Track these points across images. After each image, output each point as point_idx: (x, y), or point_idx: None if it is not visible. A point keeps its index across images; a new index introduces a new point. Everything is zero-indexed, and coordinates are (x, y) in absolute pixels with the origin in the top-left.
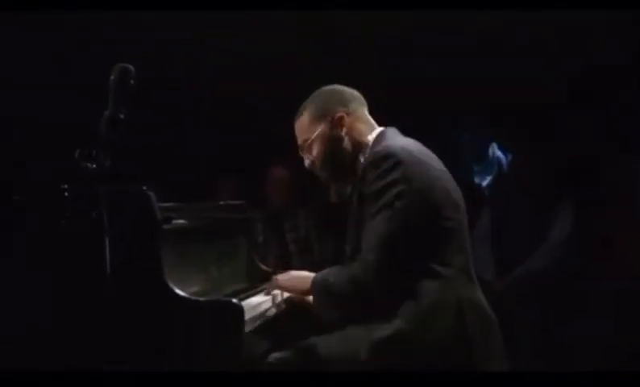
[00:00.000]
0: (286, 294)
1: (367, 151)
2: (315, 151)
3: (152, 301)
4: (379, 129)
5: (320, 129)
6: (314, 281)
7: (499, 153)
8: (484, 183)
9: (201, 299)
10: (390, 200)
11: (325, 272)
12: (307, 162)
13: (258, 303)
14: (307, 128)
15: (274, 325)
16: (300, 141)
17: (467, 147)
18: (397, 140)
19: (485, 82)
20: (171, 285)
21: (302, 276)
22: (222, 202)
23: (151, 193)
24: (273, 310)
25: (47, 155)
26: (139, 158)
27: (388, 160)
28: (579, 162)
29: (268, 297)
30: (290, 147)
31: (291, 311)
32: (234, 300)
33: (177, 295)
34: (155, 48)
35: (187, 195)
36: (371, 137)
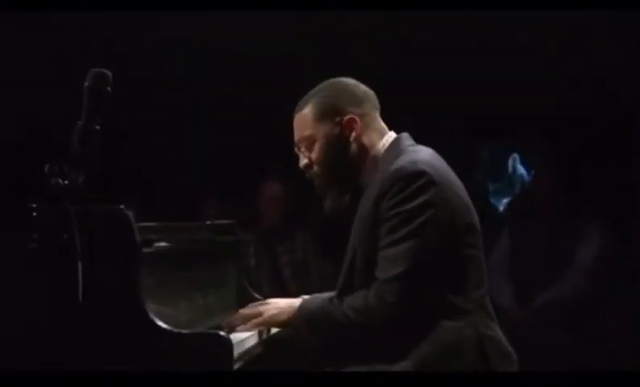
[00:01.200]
0: (274, 328)
1: (379, 161)
2: (316, 152)
3: (130, 333)
4: (391, 135)
5: (326, 128)
6: (303, 309)
7: (521, 168)
8: (502, 203)
9: (185, 332)
10: (418, 226)
11: (315, 298)
12: (302, 162)
13: (243, 339)
14: (310, 124)
15: (261, 365)
16: (298, 137)
17: (483, 159)
18: (421, 153)
19: (504, 85)
20: (151, 315)
21: (280, 306)
22: (208, 222)
23: (130, 213)
24: (259, 348)
25: (12, 170)
26: (116, 174)
27: (418, 179)
28: (610, 177)
29: (254, 333)
30: (285, 159)
31: (280, 348)
32: (222, 333)
33: (158, 327)
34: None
35: (169, 214)
36: (382, 144)
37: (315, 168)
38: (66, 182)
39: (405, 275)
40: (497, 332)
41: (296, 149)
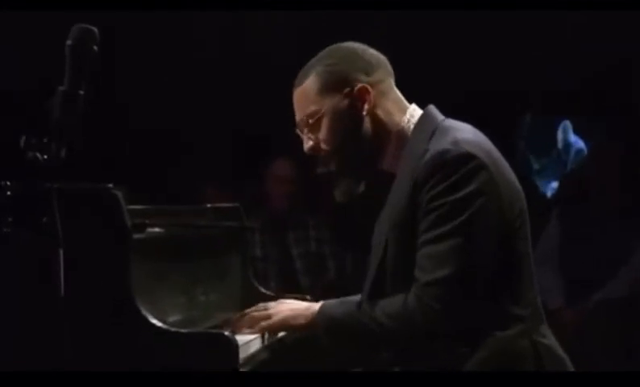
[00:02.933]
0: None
1: (407, 140)
2: (323, 130)
3: (119, 332)
4: (414, 108)
5: (333, 101)
6: (325, 314)
7: (574, 141)
8: (549, 184)
9: (184, 331)
10: (467, 219)
11: (339, 303)
12: (307, 144)
13: (246, 342)
14: (314, 98)
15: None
16: (300, 115)
17: (524, 130)
18: (463, 131)
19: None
20: (144, 312)
21: (295, 308)
22: (209, 206)
23: (119, 193)
24: (265, 354)
25: None
26: (105, 149)
27: (465, 163)
28: None
29: (257, 335)
30: (296, 134)
31: (289, 354)
32: (227, 332)
33: (152, 325)
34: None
35: (165, 196)
36: (405, 119)
37: (324, 150)
38: (45, 157)
39: (454, 276)
40: (552, 339)
41: (299, 130)
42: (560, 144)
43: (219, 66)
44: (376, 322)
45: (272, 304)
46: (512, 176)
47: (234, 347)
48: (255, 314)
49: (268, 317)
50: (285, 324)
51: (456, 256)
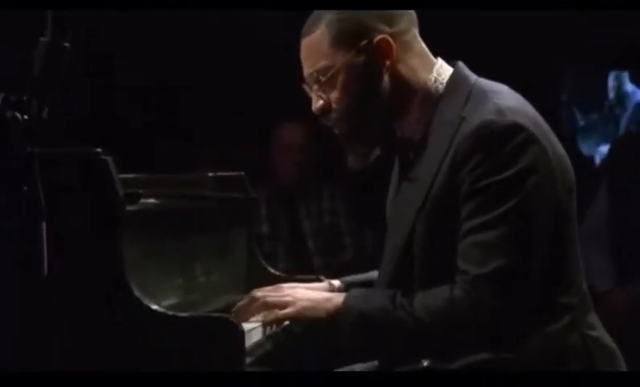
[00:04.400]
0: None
1: (438, 105)
2: (336, 89)
3: (109, 317)
4: (442, 65)
5: (348, 56)
6: (351, 307)
7: (632, 91)
8: (599, 146)
9: (182, 315)
10: (520, 201)
11: (367, 294)
12: (317, 103)
13: (249, 330)
14: (325, 52)
15: (271, 366)
16: (309, 69)
17: (567, 80)
18: (506, 98)
19: None
20: (137, 293)
21: (313, 298)
22: (210, 174)
23: (109, 158)
24: (269, 344)
25: None
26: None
27: (513, 136)
28: None
29: (258, 324)
30: (307, 95)
31: (297, 346)
32: (231, 317)
33: (147, 309)
34: None
35: (161, 164)
36: (432, 78)
37: (335, 112)
38: (26, 117)
39: (508, 268)
40: (601, 329)
41: (307, 88)
42: (612, 96)
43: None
44: (415, 318)
45: (285, 287)
46: (560, 147)
47: (239, 333)
48: (268, 299)
49: (283, 305)
50: (302, 316)
51: (510, 245)
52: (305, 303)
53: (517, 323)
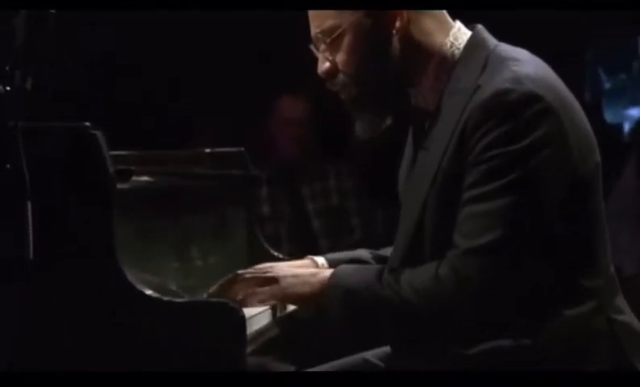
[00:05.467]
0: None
1: (453, 71)
2: (344, 51)
3: (100, 303)
4: (459, 28)
5: (356, 15)
6: (337, 283)
7: None
8: (626, 116)
9: (179, 300)
10: (529, 172)
11: (355, 269)
12: (323, 65)
13: (252, 316)
14: (332, 10)
15: (276, 353)
16: (316, 28)
17: (590, 45)
18: (526, 64)
19: None
20: (129, 277)
21: (300, 274)
22: (208, 150)
23: (99, 133)
24: (275, 330)
25: None
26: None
27: (529, 105)
28: None
29: (266, 308)
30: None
31: (303, 332)
32: (232, 303)
33: (140, 294)
34: None
35: (155, 139)
36: (448, 42)
37: (341, 75)
38: (8, 88)
39: (502, 243)
40: (629, 313)
41: (314, 48)
42: None
43: None
44: (399, 296)
45: (267, 265)
46: (584, 120)
47: (240, 319)
48: (248, 276)
49: (265, 282)
50: (286, 293)
51: (508, 218)
52: (289, 280)
53: (520, 306)
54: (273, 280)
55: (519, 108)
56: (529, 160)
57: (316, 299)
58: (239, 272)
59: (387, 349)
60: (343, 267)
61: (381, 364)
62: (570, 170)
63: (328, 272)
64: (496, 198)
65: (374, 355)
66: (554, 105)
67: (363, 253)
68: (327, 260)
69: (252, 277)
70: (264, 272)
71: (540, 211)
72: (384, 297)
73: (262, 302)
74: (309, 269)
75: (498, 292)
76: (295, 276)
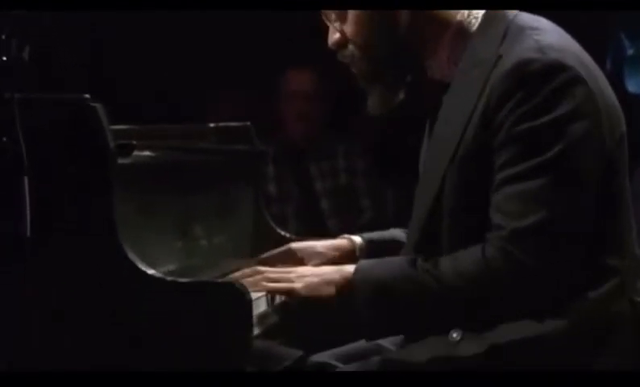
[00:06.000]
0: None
1: (470, 41)
2: (353, 21)
3: (100, 283)
4: None
5: None
6: (365, 277)
7: None
8: None
9: (182, 280)
10: (564, 146)
11: (381, 262)
12: (333, 36)
13: (257, 298)
14: None
15: (282, 336)
16: None
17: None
18: (548, 33)
19: None
20: (131, 256)
21: (320, 273)
22: (212, 125)
23: (99, 106)
24: (274, 317)
25: None
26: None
27: (556, 75)
28: None
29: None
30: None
31: (305, 320)
32: (238, 284)
33: (142, 273)
34: None
35: (157, 114)
36: (464, 12)
37: (351, 46)
38: (4, 58)
39: (551, 222)
40: None
41: (324, 19)
42: None
43: None
44: (443, 282)
45: (291, 269)
46: (609, 89)
47: (246, 302)
48: (271, 275)
49: (287, 282)
50: (310, 294)
51: (552, 196)
52: (311, 279)
53: (561, 284)
54: (294, 280)
55: (545, 79)
56: (562, 134)
57: (341, 296)
58: (261, 268)
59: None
60: (365, 261)
61: (393, 348)
62: (601, 142)
63: (351, 267)
64: (535, 177)
65: (386, 339)
66: (582, 74)
67: (397, 233)
68: (364, 239)
69: (274, 276)
70: (286, 272)
71: (580, 186)
72: (423, 283)
73: (281, 294)
74: (330, 267)
75: (547, 273)
76: (316, 274)
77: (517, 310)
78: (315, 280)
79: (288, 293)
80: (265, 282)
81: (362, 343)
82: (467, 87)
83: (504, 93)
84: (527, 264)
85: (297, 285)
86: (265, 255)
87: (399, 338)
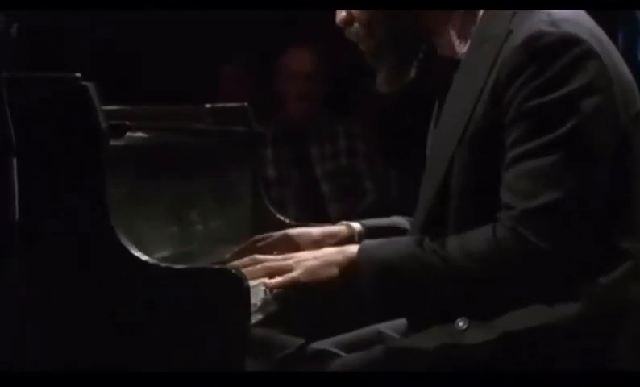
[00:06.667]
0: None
1: (480, 16)
2: None
3: (92, 269)
4: None
5: None
6: (369, 257)
7: None
8: None
9: (177, 267)
10: (578, 122)
11: (386, 242)
12: (340, 15)
13: (255, 284)
14: None
15: (282, 324)
16: None
17: None
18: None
19: None
20: (124, 242)
21: (321, 256)
22: (208, 105)
23: (90, 85)
24: (273, 305)
25: None
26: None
27: (569, 49)
28: None
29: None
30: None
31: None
32: (235, 270)
33: (136, 259)
34: None
35: (152, 94)
36: None
37: (356, 24)
38: None
39: (562, 200)
40: None
41: None
42: None
43: None
44: (451, 263)
45: (288, 256)
46: (623, 64)
47: (244, 289)
48: (269, 264)
49: (287, 269)
50: (311, 278)
51: (564, 175)
52: (311, 263)
53: (573, 269)
54: (293, 266)
55: (557, 52)
56: (575, 110)
57: (345, 277)
58: (259, 257)
59: (402, 320)
60: (369, 241)
61: (396, 336)
62: (616, 119)
63: (354, 247)
64: (547, 155)
65: (388, 326)
66: (595, 48)
67: (398, 220)
68: (363, 226)
69: (272, 264)
70: (284, 258)
71: (594, 165)
72: (430, 264)
73: (282, 287)
74: (330, 249)
75: (559, 254)
76: (316, 257)
77: (527, 294)
78: (315, 263)
79: (289, 283)
80: (264, 272)
81: (364, 331)
82: (478, 63)
83: (514, 67)
84: (538, 244)
85: (297, 271)
86: (260, 240)
87: (403, 326)
